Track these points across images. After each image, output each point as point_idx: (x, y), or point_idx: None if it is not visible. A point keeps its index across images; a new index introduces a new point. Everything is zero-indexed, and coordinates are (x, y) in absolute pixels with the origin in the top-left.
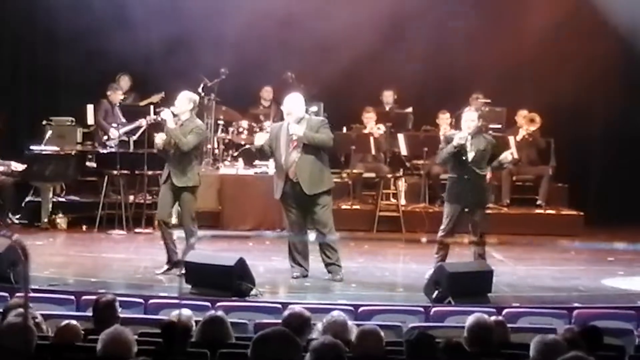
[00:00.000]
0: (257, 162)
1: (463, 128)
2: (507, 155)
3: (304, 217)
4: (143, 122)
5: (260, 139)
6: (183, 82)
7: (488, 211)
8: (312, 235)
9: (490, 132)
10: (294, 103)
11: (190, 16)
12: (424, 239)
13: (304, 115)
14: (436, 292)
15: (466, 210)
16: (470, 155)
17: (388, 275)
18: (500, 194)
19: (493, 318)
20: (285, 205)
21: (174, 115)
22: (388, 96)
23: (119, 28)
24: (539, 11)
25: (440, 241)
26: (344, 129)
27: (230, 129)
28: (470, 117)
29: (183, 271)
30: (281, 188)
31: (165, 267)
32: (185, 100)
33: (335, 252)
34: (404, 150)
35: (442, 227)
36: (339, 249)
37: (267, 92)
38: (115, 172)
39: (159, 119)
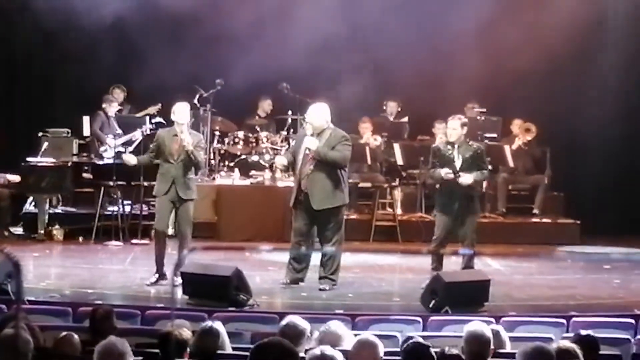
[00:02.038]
0: (253, 172)
1: (447, 136)
2: (447, 174)
3: (311, 227)
4: (139, 134)
5: (281, 160)
6: (180, 93)
7: (484, 220)
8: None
9: (486, 141)
10: (314, 113)
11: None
12: (424, 250)
13: (328, 126)
14: (433, 302)
15: (455, 219)
16: (458, 164)
17: (385, 285)
18: (496, 203)
19: (490, 327)
20: (296, 212)
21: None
22: (392, 107)
23: (114, 40)
24: (535, 21)
25: (433, 251)
26: None
27: (226, 140)
28: (452, 126)
29: (179, 281)
30: (293, 198)
31: (155, 277)
32: (189, 112)
33: (331, 265)
34: (399, 160)
35: (433, 237)
36: (338, 266)
37: (267, 105)
38: (111, 183)
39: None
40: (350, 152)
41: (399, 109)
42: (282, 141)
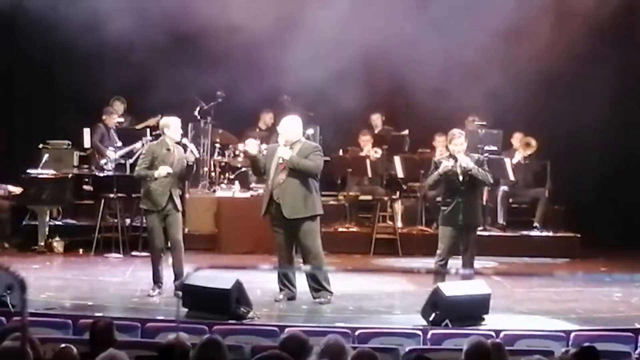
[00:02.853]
0: (253, 184)
1: (451, 152)
2: (445, 166)
3: (290, 239)
4: (139, 145)
5: (251, 145)
6: (179, 105)
7: (484, 233)
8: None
9: (487, 154)
10: (287, 125)
11: (184, 39)
12: (422, 270)
13: (299, 139)
14: (433, 315)
15: (459, 231)
16: (460, 178)
17: (385, 298)
18: (497, 216)
19: (490, 341)
20: (272, 226)
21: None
22: (376, 119)
23: (114, 52)
24: (535, 36)
25: (436, 271)
26: (340, 152)
27: (227, 152)
28: (458, 143)
29: (180, 294)
30: (265, 207)
31: (157, 290)
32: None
33: (319, 279)
34: (400, 173)
35: (438, 251)
36: (325, 276)
37: (269, 117)
38: (111, 195)
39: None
40: (322, 162)
41: (383, 119)
42: None
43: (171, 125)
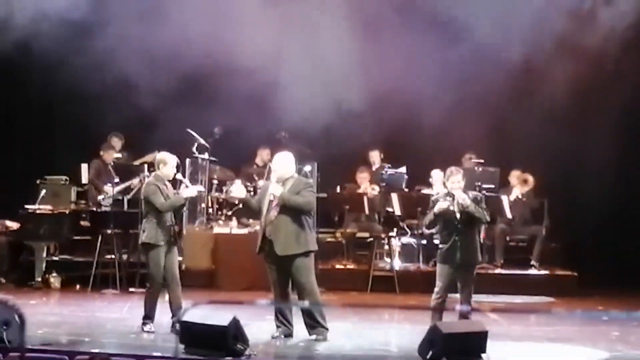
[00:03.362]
0: (251, 220)
1: (449, 190)
2: (442, 205)
3: (284, 276)
4: (137, 181)
5: (238, 189)
6: (177, 142)
7: (482, 271)
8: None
9: (484, 192)
10: (280, 161)
11: (183, 75)
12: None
13: (292, 175)
14: (430, 353)
15: (456, 269)
16: (458, 216)
17: (382, 335)
18: (494, 254)
19: None
20: (266, 263)
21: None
22: (374, 156)
23: (113, 89)
24: (536, 73)
25: (434, 308)
26: (338, 189)
27: (224, 188)
28: (456, 180)
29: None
30: (259, 244)
31: (152, 325)
32: None
33: (314, 316)
34: (397, 210)
35: (435, 289)
36: (320, 312)
37: (266, 154)
38: (109, 231)
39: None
40: (314, 198)
41: (382, 157)
42: None
43: (168, 163)
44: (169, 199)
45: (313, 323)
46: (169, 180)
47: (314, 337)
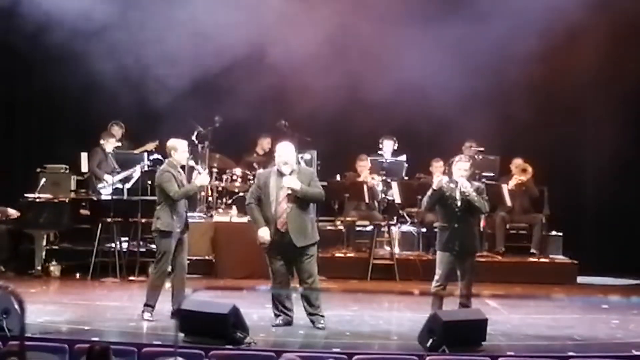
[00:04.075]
0: None
1: (455, 178)
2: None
3: (289, 266)
4: (137, 170)
5: (265, 233)
6: (177, 129)
7: (482, 259)
8: (296, 286)
9: (484, 180)
10: (289, 152)
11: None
12: (416, 291)
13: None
14: (430, 341)
15: (456, 257)
16: (458, 203)
17: (382, 324)
18: (494, 242)
19: None
20: (271, 254)
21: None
22: (389, 144)
23: (113, 78)
24: (532, 61)
25: (434, 294)
26: (338, 177)
27: (224, 177)
28: (462, 167)
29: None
30: (270, 238)
31: (149, 314)
32: None
33: (317, 302)
34: (397, 199)
35: (435, 277)
36: (320, 299)
37: (266, 143)
38: (109, 219)
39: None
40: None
41: (395, 147)
42: None
43: (178, 149)
44: (182, 187)
45: (314, 311)
46: (181, 167)
47: (317, 324)
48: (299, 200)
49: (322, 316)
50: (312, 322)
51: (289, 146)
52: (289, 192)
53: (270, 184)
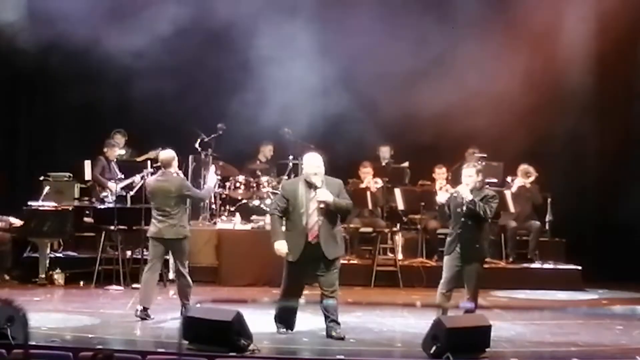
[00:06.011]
0: (254, 217)
1: (462, 184)
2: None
3: (307, 280)
4: (139, 178)
5: (282, 246)
6: (180, 138)
7: (485, 266)
8: (302, 300)
9: (487, 186)
10: (318, 163)
11: (186, 72)
12: (418, 303)
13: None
14: (434, 347)
15: (460, 262)
16: (463, 209)
17: (386, 330)
18: (501, 249)
19: None
20: (298, 266)
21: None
22: (385, 151)
23: (116, 84)
24: (534, 65)
25: (438, 301)
26: None
27: (228, 184)
28: (467, 173)
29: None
30: (300, 250)
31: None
32: None
33: (336, 312)
34: (400, 205)
35: (442, 281)
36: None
37: (268, 150)
38: (112, 227)
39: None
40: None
41: (392, 153)
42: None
43: (174, 158)
44: (199, 190)
45: (334, 318)
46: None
47: (336, 333)
48: (330, 212)
49: (339, 324)
50: (330, 329)
51: (315, 156)
52: (322, 205)
53: (299, 195)
